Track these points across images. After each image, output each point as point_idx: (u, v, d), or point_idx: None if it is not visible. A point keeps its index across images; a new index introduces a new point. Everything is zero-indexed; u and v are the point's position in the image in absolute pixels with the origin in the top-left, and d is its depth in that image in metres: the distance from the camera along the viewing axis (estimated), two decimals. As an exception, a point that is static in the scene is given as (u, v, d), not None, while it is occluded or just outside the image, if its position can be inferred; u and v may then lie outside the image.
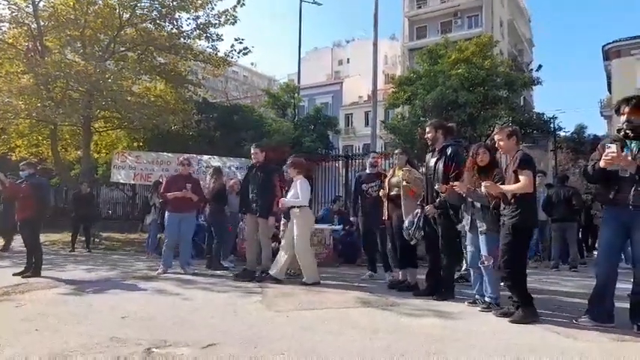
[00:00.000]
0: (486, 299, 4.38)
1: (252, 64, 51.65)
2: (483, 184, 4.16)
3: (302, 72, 22.29)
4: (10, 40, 11.88)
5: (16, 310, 4.20)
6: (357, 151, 17.14)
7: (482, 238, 4.39)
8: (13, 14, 11.59)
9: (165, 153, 12.75)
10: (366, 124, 39.94)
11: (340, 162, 14.77)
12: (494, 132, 4.48)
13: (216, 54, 13.77)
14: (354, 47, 51.97)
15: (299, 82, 20.37)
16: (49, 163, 14.18)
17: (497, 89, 10.97)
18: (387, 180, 5.81)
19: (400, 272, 5.70)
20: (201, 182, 11.83)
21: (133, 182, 13.47)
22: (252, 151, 6.48)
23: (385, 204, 5.72)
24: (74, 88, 11.94)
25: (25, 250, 6.52)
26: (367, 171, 6.62)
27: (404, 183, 5.39)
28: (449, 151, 4.86)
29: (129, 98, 12.12)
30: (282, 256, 5.91)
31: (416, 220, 5.09)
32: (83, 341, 3.20)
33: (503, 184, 4.15)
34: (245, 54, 13.94)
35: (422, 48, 28.27)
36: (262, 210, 6.15)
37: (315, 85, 39.72)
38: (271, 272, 5.88)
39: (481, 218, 4.40)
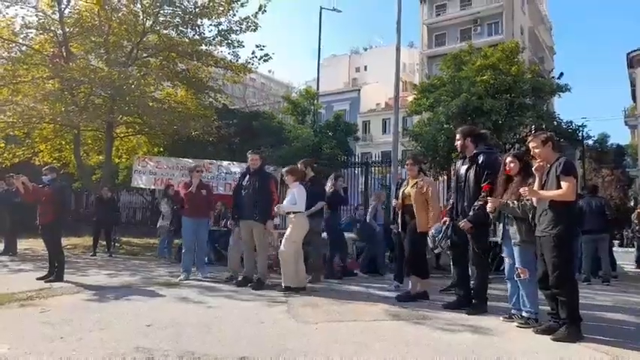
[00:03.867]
0: (524, 314, 4.17)
1: (269, 71, 51.96)
2: (521, 190, 3.98)
3: (320, 79, 22.26)
4: (37, 46, 12.07)
5: (41, 315, 4.14)
6: (376, 159, 17.00)
7: (516, 250, 4.20)
8: (40, 21, 11.79)
9: (185, 159, 12.76)
10: (384, 131, 39.74)
11: (359, 169, 14.65)
12: (529, 140, 4.28)
13: (237, 60, 13.80)
14: (372, 54, 51.95)
15: (318, 88, 20.31)
16: (72, 167, 14.36)
17: (524, 96, 10.72)
18: (400, 190, 5.70)
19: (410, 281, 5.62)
20: (220, 188, 11.95)
21: (153, 187, 13.51)
22: (249, 157, 6.43)
23: (400, 214, 5.61)
24: (97, 93, 12.07)
25: (47, 254, 6.51)
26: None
27: (422, 192, 5.30)
28: (480, 159, 4.67)
29: (151, 104, 12.19)
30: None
31: (444, 228, 4.94)
32: (109, 351, 3.10)
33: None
34: (266, 60, 13.92)
35: (441, 55, 28.03)
36: (261, 214, 6.04)
37: (333, 92, 39.70)
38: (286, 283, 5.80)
39: (515, 230, 4.22)
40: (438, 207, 5.28)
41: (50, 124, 12.30)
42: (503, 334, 3.89)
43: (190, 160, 12.53)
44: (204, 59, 13.27)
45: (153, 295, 5.35)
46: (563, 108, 76.26)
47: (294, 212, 5.87)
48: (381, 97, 40.91)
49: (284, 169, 6.41)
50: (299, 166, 6.76)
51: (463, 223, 4.65)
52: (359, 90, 42.52)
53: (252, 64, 13.92)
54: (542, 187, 3.96)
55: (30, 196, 6.31)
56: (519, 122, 10.65)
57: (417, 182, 5.43)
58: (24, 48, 11.99)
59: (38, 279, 6.09)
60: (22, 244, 10.07)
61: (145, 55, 13.19)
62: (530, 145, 4.14)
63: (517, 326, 4.10)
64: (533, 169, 4.08)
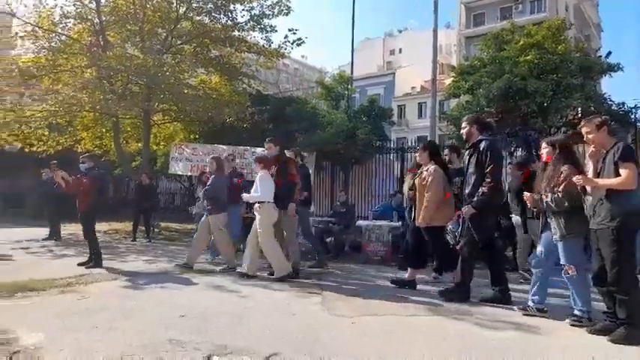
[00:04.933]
0: (576, 312, 3.89)
1: (302, 56, 51.63)
2: (574, 178, 3.69)
3: (354, 63, 21.83)
4: (75, 36, 12.30)
5: (79, 302, 4.20)
6: (412, 144, 16.57)
7: (560, 246, 3.97)
8: (78, 10, 11.99)
9: (220, 145, 12.83)
10: (420, 115, 38.85)
11: (394, 155, 14.32)
12: (581, 125, 3.95)
13: (269, 45, 13.68)
14: (407, 37, 50.61)
15: (352, 72, 19.89)
16: (112, 154, 14.73)
17: (572, 76, 10.06)
18: (412, 180, 5.57)
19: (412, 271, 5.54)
20: (254, 174, 11.95)
21: (190, 174, 13.69)
22: (265, 145, 6.40)
23: (414, 204, 5.44)
24: (134, 81, 12.23)
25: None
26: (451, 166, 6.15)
27: (423, 182, 5.17)
28: (482, 145, 4.57)
29: (185, 91, 12.26)
30: (247, 251, 5.95)
31: (461, 221, 4.80)
32: (143, 341, 3.08)
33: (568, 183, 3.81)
34: (299, 45, 13.73)
35: (480, 36, 26.88)
36: (282, 201, 5.94)
37: (367, 76, 38.98)
38: (240, 268, 5.89)
39: (555, 224, 3.98)
40: (434, 199, 5.02)
41: (90, 113, 12.59)
42: (552, 333, 3.64)
43: (225, 147, 12.60)
44: (237, 45, 13.20)
45: (188, 283, 5.35)
46: (613, 89, 72.32)
47: (259, 202, 5.85)
48: (417, 81, 39.93)
49: (254, 157, 6.42)
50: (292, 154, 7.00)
51: (466, 209, 4.59)
52: (394, 73, 41.59)
53: (285, 49, 13.76)
54: (598, 175, 3.65)
55: (70, 188, 6.53)
56: (566, 104, 10.02)
57: (422, 171, 5.29)
58: (63, 38, 12.25)
59: (79, 264, 6.24)
60: (66, 230, 10.41)
61: (179, 42, 13.24)
62: (583, 130, 3.82)
63: (570, 324, 3.83)
64: (588, 155, 3.77)
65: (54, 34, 12.11)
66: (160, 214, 13.41)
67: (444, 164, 5.39)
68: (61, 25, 12.13)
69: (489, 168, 4.45)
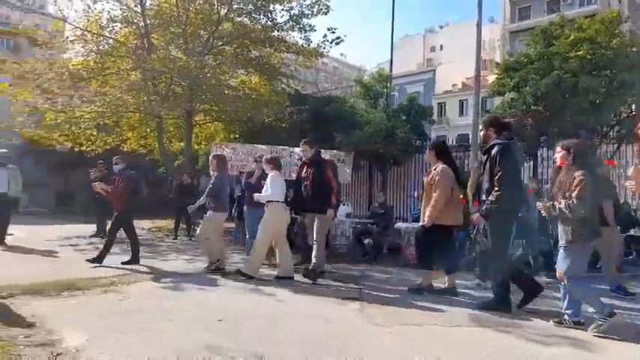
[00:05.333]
0: (566, 317, 3.94)
1: (341, 54, 51.46)
2: (632, 169, 3.65)
3: (393, 60, 21.50)
4: (122, 39, 12.75)
5: (120, 303, 4.30)
6: (452, 143, 16.13)
7: (560, 252, 3.94)
8: (124, 14, 12.41)
9: (259, 145, 12.94)
10: (461, 113, 37.88)
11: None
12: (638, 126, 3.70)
13: (308, 45, 13.68)
14: (448, 32, 49.42)
15: (391, 70, 19.60)
16: (156, 153, 15.18)
17: (627, 72, 9.44)
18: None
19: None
20: (293, 174, 11.97)
21: (230, 173, 13.89)
22: (300, 148, 6.37)
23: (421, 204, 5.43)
24: (177, 83, 12.54)
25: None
26: None
27: (430, 182, 5.13)
28: (494, 150, 4.43)
29: (226, 92, 12.45)
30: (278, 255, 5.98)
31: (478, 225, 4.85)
32: (180, 345, 3.10)
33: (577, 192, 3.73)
34: (337, 44, 13.70)
35: (525, 30, 25.80)
36: (321, 205, 5.91)
37: (406, 74, 38.39)
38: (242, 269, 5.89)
39: (561, 230, 3.92)
40: (441, 198, 4.95)
41: (136, 113, 13.01)
42: (605, 350, 3.39)
43: (264, 147, 12.70)
44: (276, 45, 13.30)
45: (226, 285, 5.36)
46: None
47: (268, 201, 5.88)
48: (458, 78, 38.92)
49: (263, 158, 6.44)
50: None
51: (475, 217, 4.57)
52: (434, 70, 40.75)
53: (324, 48, 13.75)
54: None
55: (110, 195, 6.81)
56: (620, 102, 9.43)
57: (431, 171, 5.26)
58: (110, 41, 12.71)
59: (123, 263, 6.40)
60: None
61: (220, 43, 13.47)
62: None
63: (593, 335, 3.67)
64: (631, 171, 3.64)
65: (102, 38, 12.59)
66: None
67: (454, 164, 5.38)
68: (108, 29, 12.59)
69: (498, 175, 4.32)
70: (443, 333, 3.74)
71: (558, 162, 4.08)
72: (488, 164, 4.49)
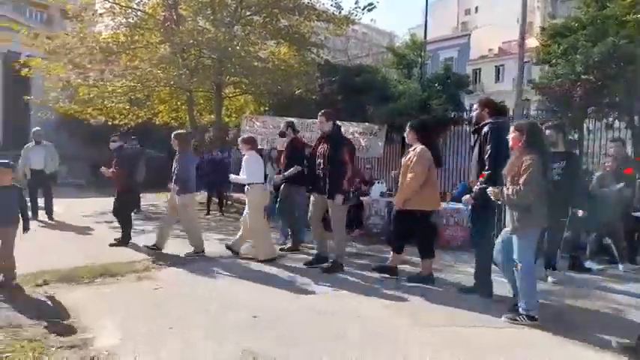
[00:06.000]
0: (521, 311, 3.72)
1: (371, 20, 49.77)
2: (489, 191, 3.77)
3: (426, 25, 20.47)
4: (150, 11, 12.52)
5: (153, 293, 4.23)
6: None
7: (513, 241, 3.75)
8: (152, -16, 12.14)
9: (290, 118, 12.68)
10: (497, 79, 36.28)
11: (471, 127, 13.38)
12: None
13: (339, 12, 13.13)
14: (485, -7, 46.85)
15: (425, 36, 18.66)
16: (187, 127, 15.17)
17: (693, 36, 8.58)
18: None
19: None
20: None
21: (260, 147, 13.74)
22: (318, 120, 5.68)
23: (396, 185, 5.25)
24: (206, 55, 12.30)
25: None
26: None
27: (408, 162, 4.88)
28: (484, 130, 4.28)
29: (255, 64, 12.15)
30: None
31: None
32: (215, 348, 2.97)
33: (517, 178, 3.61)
34: (370, 10, 13.07)
35: (572, -11, 24.01)
36: (330, 189, 5.32)
37: (440, 39, 36.75)
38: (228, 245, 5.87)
39: (509, 217, 3.75)
40: (414, 182, 4.72)
41: (166, 87, 12.92)
42: None
43: (295, 120, 12.43)
44: (306, 13, 12.80)
45: (259, 274, 5.15)
46: None
47: (248, 183, 5.66)
48: (494, 42, 37.01)
49: (239, 139, 6.07)
50: (281, 126, 6.82)
51: (466, 198, 4.45)
52: (469, 35, 38.87)
53: (356, 15, 13.17)
54: None
55: (114, 177, 6.71)
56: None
57: (409, 151, 4.98)
58: (139, 13, 12.51)
59: (149, 248, 6.09)
60: (146, 200, 10.86)
61: (248, 13, 13.07)
62: None
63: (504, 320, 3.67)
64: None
65: (130, 10, 12.40)
66: (232, 187, 13.67)
67: (434, 144, 5.16)
68: (136, 1, 12.39)
69: (488, 155, 4.17)
70: (501, 336, 3.49)
71: (511, 143, 3.83)
72: (478, 144, 4.36)
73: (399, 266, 5.21)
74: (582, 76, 8.98)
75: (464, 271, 5.30)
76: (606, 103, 9.28)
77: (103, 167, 6.91)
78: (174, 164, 6.03)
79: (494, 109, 4.50)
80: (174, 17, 12.23)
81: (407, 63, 16.53)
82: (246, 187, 5.78)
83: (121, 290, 4.27)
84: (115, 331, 3.17)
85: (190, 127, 14.57)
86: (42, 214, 8.63)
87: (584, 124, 10.66)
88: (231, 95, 14.56)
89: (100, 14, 12.47)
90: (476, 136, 4.44)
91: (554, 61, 10.31)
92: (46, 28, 17.25)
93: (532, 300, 3.70)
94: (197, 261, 5.64)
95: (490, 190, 3.82)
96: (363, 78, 14.67)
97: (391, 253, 5.21)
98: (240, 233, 6.01)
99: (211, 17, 12.65)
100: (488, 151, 4.15)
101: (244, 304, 3.97)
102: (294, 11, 12.67)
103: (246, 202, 5.80)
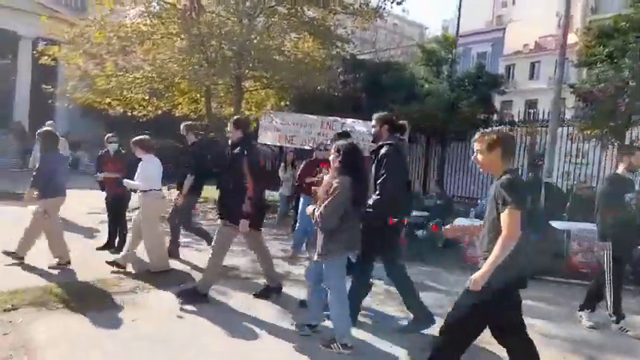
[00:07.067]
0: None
1: (403, 10, 48.56)
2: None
3: (460, 18, 19.51)
4: (171, 0, 12.18)
5: (131, 326, 3.82)
6: (518, 110, 14.52)
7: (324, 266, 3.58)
8: (174, -28, 11.76)
9: (309, 115, 12.21)
10: (531, 76, 34.78)
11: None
12: None
13: (367, 4, 12.50)
14: (523, -15, 44.93)
15: (457, 32, 17.77)
16: (206, 119, 14.87)
17: None
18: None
19: None
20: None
21: (278, 144, 13.36)
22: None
23: None
24: (226, 46, 11.91)
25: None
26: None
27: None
28: (382, 150, 4.07)
29: (276, 57, 11.69)
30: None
31: None
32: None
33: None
34: (399, 3, 12.44)
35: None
36: (231, 212, 4.48)
37: (472, 33, 35.37)
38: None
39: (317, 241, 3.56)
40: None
41: (183, 80, 12.61)
42: None
43: (315, 117, 11.96)
44: (332, 5, 12.23)
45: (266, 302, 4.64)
46: None
47: (142, 190, 5.28)
48: (530, 37, 35.38)
49: (131, 141, 5.46)
50: (181, 128, 6.46)
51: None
52: (504, 29, 37.32)
53: (384, 8, 12.54)
54: None
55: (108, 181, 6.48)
56: None
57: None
58: (161, 2, 12.20)
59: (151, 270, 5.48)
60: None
61: (272, 3, 12.59)
62: None
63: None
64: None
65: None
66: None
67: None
68: (159, -11, 12.10)
69: (381, 179, 3.95)
70: None
71: (331, 163, 3.69)
72: (374, 165, 4.13)
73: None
74: (631, 83, 8.17)
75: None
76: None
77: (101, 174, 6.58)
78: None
79: (394, 126, 4.28)
80: (196, 7, 11.84)
81: (437, 60, 15.74)
82: (139, 193, 5.35)
83: (97, 321, 3.81)
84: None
85: (208, 120, 14.27)
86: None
87: (627, 134, 9.84)
88: (251, 89, 14.16)
89: (120, 4, 12.20)
90: (373, 156, 4.18)
91: (598, 64, 9.47)
92: (79, 15, 17.13)
93: (343, 326, 3.55)
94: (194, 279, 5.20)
95: (308, 208, 3.66)
96: (390, 75, 14.04)
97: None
98: (127, 245, 5.50)
99: (233, 7, 12.23)
100: (382, 176, 3.95)
101: (253, 350, 3.54)
102: (319, 2, 12.12)
103: (140, 212, 5.34)
